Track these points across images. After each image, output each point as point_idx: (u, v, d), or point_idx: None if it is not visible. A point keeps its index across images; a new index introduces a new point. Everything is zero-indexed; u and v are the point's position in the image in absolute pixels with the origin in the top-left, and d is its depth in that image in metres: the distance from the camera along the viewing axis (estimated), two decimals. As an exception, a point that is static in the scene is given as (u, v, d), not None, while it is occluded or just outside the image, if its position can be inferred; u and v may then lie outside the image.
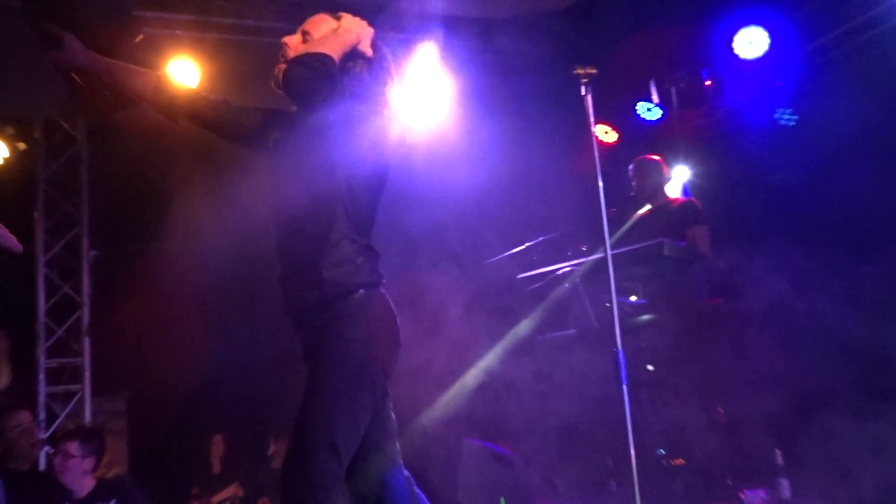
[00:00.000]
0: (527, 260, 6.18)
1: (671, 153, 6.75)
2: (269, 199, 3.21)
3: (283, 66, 3.18)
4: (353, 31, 3.23)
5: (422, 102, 6.31)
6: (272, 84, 3.24)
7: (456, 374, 5.77)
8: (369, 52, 3.26)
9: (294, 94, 3.09)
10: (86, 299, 7.53)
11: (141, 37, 6.17)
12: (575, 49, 6.59)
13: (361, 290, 3.06)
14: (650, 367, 5.43)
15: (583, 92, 4.03)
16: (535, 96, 6.49)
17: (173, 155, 6.75)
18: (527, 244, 6.25)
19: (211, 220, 6.58)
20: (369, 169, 3.15)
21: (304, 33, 3.29)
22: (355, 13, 3.35)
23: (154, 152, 6.82)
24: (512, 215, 6.64)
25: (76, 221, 7.60)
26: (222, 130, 3.36)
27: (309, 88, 3.01)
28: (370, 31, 3.29)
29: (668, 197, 6.18)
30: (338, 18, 3.30)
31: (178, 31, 6.37)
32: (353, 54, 3.22)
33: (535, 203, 6.73)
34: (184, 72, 6.33)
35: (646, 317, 5.59)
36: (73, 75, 3.62)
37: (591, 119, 3.99)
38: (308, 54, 3.07)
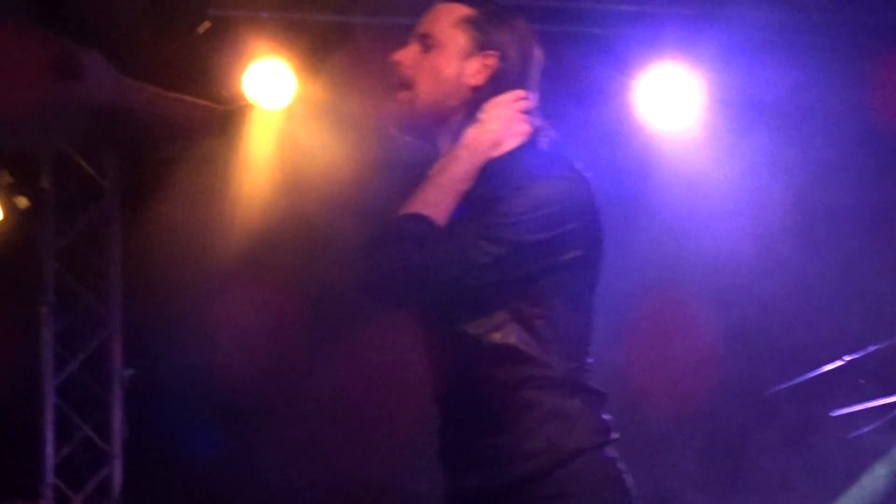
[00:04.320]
0: (846, 385, 6.29)
1: None
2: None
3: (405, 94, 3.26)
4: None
5: (663, 110, 6.62)
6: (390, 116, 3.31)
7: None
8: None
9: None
10: (117, 448, 7.39)
11: (206, 24, 6.10)
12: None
13: (578, 459, 3.11)
14: None
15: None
16: (850, 99, 6.50)
17: (266, 213, 6.75)
18: (846, 357, 6.22)
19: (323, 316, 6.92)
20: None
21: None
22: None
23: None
24: (813, 300, 6.77)
25: (102, 321, 7.50)
26: None
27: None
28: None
29: None
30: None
31: (263, 13, 6.32)
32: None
33: (859, 280, 6.76)
34: (272, 77, 6.31)
35: None
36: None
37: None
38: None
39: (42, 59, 5.67)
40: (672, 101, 6.59)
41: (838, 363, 6.21)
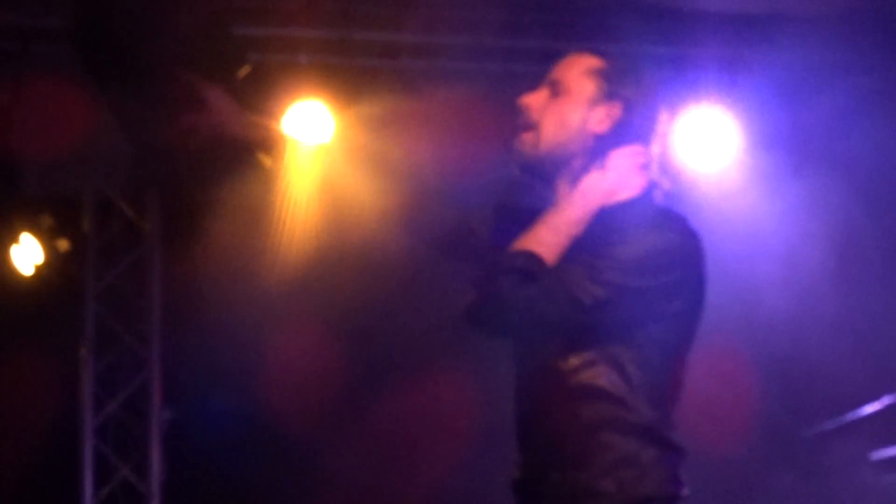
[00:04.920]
0: (885, 429, 6.40)
1: None
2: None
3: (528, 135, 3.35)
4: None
5: (698, 154, 6.60)
6: (514, 156, 3.39)
7: None
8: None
9: None
10: (155, 489, 7.35)
11: (247, 68, 6.11)
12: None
13: None
14: None
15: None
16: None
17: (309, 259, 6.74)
18: (885, 400, 6.35)
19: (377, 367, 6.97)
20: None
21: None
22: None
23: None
24: (851, 341, 6.71)
25: (142, 363, 7.50)
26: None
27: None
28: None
29: None
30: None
31: (301, 57, 6.39)
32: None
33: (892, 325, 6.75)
34: (311, 119, 6.37)
35: None
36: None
37: None
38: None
39: (86, 104, 5.71)
40: (710, 144, 6.60)
41: (877, 405, 6.23)
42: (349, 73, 6.41)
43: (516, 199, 3.47)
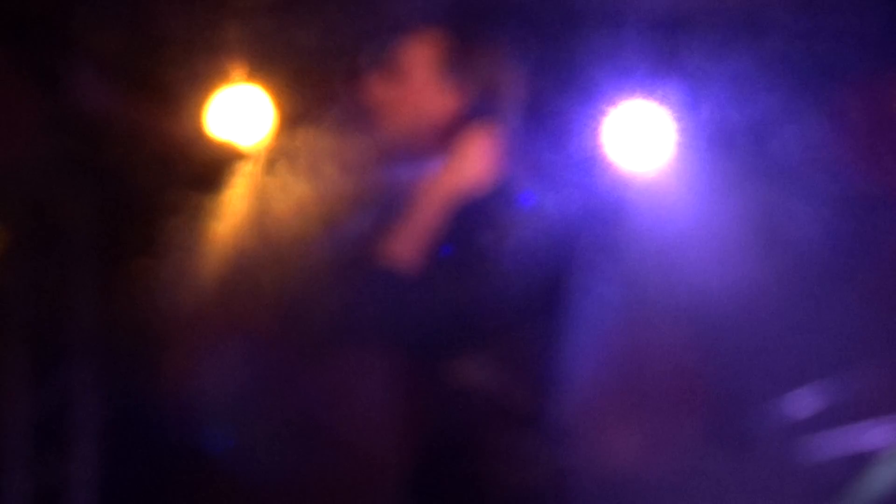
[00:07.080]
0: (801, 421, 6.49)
1: None
2: None
3: None
4: None
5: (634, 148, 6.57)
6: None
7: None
8: None
9: None
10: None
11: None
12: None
13: None
14: None
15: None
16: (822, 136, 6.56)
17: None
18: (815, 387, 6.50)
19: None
20: None
21: None
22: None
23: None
24: (774, 333, 6.75)
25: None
26: None
27: None
28: None
29: None
30: None
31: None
32: None
33: (814, 317, 6.72)
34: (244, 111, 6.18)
35: None
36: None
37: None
38: None
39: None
40: (642, 139, 6.56)
41: (807, 400, 6.28)
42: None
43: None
